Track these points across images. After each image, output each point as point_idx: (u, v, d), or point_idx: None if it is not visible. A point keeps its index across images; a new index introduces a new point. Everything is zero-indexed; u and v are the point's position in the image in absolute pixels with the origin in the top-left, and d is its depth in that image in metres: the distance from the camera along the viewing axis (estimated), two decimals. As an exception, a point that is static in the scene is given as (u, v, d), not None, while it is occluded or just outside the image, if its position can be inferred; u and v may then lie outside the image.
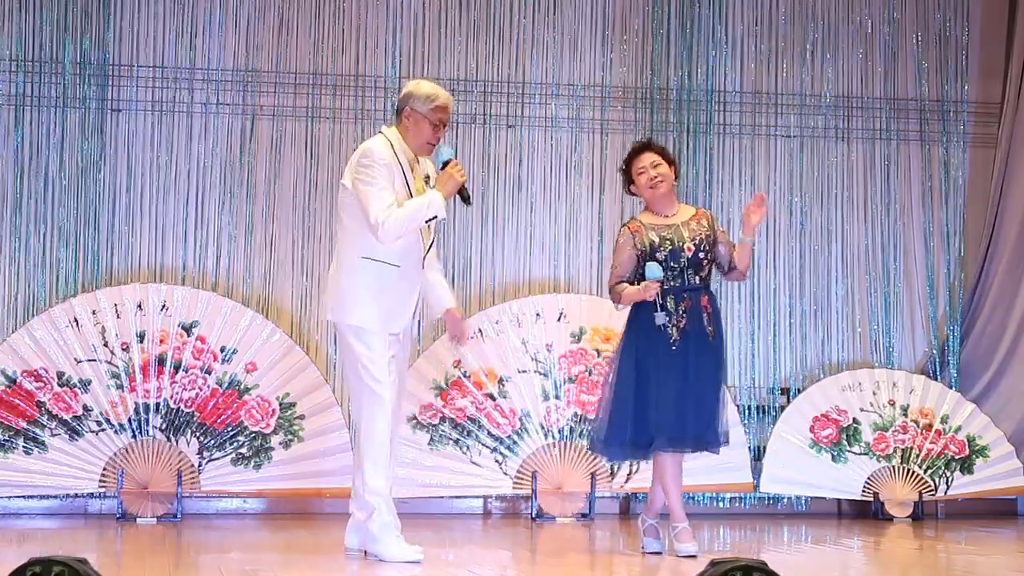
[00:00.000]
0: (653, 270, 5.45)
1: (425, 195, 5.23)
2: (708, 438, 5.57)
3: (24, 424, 6.91)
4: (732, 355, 7.74)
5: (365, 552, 5.29)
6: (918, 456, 7.63)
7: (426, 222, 5.21)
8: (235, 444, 7.07)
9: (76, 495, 7.12)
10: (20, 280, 7.27)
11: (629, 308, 5.64)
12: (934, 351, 8.02)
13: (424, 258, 5.36)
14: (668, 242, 5.53)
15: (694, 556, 5.40)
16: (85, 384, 6.98)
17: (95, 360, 7.01)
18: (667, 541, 5.61)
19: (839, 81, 8.07)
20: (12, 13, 7.35)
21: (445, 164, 5.29)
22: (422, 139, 5.29)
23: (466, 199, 5.30)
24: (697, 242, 5.54)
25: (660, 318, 5.45)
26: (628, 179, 5.68)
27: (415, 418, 7.21)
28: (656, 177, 5.57)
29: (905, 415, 7.69)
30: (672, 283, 5.51)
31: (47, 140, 7.34)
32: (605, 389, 5.74)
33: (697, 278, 5.54)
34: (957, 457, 7.66)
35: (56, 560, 3.29)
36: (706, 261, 5.57)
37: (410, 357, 5.54)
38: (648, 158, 5.60)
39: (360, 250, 5.26)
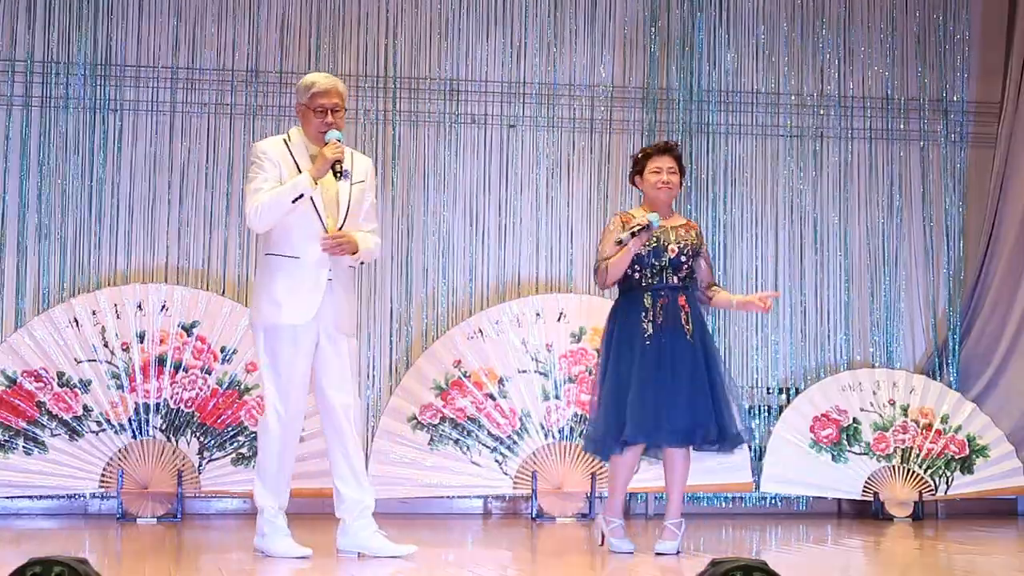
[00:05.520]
0: (653, 216, 5.58)
1: (294, 178, 5.19)
2: (705, 434, 5.59)
3: (24, 424, 6.91)
4: (732, 355, 7.76)
5: (359, 554, 5.31)
6: (918, 456, 7.63)
7: (292, 202, 5.12)
8: (235, 444, 7.07)
9: (76, 495, 7.12)
10: (20, 280, 7.26)
11: (608, 308, 5.77)
12: (934, 351, 8.02)
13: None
14: (654, 239, 5.66)
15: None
16: (85, 384, 6.98)
17: (95, 360, 7.01)
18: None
19: (839, 81, 8.07)
20: (12, 14, 7.35)
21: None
22: (312, 129, 5.28)
23: (336, 174, 5.20)
24: (682, 246, 5.69)
25: (625, 236, 5.53)
26: (638, 170, 5.78)
27: (415, 418, 7.22)
28: (668, 183, 5.72)
29: (905, 415, 7.69)
30: (651, 280, 5.64)
31: (48, 140, 7.34)
32: (593, 388, 5.82)
33: (676, 278, 5.67)
34: (957, 457, 7.66)
35: (56, 560, 3.28)
36: (686, 266, 5.70)
37: (352, 360, 5.41)
38: (667, 162, 5.74)
39: (264, 248, 5.33)
